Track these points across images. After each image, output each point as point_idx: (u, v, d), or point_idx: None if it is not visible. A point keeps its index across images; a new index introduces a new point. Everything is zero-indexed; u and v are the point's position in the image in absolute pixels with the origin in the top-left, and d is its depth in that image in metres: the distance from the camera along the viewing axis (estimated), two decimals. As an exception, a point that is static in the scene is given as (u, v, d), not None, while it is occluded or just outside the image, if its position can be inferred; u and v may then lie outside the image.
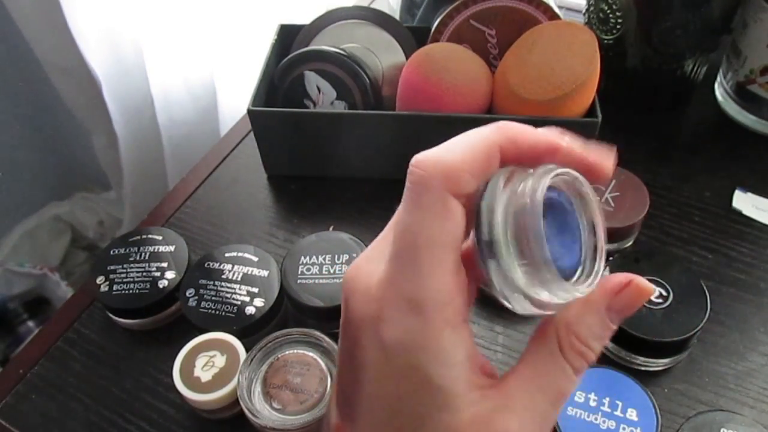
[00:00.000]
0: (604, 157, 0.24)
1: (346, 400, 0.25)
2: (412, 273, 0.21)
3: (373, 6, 0.67)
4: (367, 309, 0.23)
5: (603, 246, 0.23)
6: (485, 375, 0.23)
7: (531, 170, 0.22)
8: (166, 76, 0.84)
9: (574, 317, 0.23)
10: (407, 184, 0.22)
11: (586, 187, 0.23)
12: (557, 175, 0.22)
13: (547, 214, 0.22)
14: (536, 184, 0.21)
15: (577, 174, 0.23)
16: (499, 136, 0.22)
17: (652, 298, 0.45)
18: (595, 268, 0.23)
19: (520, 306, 0.22)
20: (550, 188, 0.22)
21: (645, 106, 0.66)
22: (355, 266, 0.25)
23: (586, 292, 0.22)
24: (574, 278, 0.23)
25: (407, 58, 0.58)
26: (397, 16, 0.69)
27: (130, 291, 0.49)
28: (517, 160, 0.23)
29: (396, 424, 0.22)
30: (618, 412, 0.40)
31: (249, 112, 0.56)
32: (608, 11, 0.60)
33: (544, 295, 0.22)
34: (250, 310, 0.46)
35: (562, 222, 0.23)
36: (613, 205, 0.52)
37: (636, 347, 0.45)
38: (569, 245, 0.23)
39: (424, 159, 0.22)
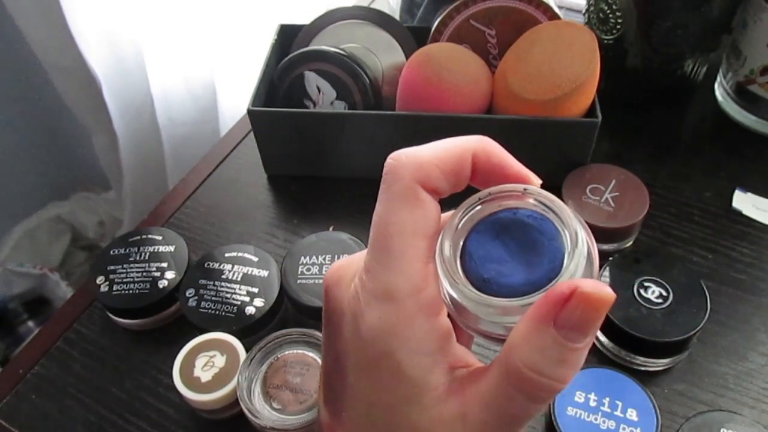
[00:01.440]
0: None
1: (333, 395, 0.25)
2: (385, 260, 0.22)
3: (373, 6, 0.67)
4: (347, 299, 0.23)
5: (573, 252, 0.21)
6: (463, 367, 0.23)
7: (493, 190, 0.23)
8: (166, 76, 0.84)
9: (518, 338, 0.20)
10: (383, 176, 0.23)
11: (553, 206, 0.22)
12: (488, 200, 0.22)
13: (505, 233, 0.22)
14: (465, 207, 0.22)
15: (517, 187, 0.22)
16: (474, 144, 0.23)
17: (652, 298, 0.45)
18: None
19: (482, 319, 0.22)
20: (521, 208, 0.22)
21: (645, 106, 0.66)
22: (340, 261, 0.26)
23: (506, 318, 0.21)
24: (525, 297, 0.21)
25: (407, 58, 0.58)
26: (397, 16, 0.69)
27: (130, 291, 0.49)
28: (485, 175, 0.23)
29: (372, 417, 0.23)
30: (618, 412, 0.40)
31: (249, 112, 0.56)
32: (608, 11, 0.60)
33: (486, 325, 0.22)
34: (250, 310, 0.46)
35: (530, 236, 0.22)
36: (613, 205, 0.52)
37: (636, 347, 0.45)
38: (533, 263, 0.21)
39: (399, 153, 0.23)
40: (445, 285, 0.22)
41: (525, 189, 0.22)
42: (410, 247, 0.22)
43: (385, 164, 0.23)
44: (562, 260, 0.21)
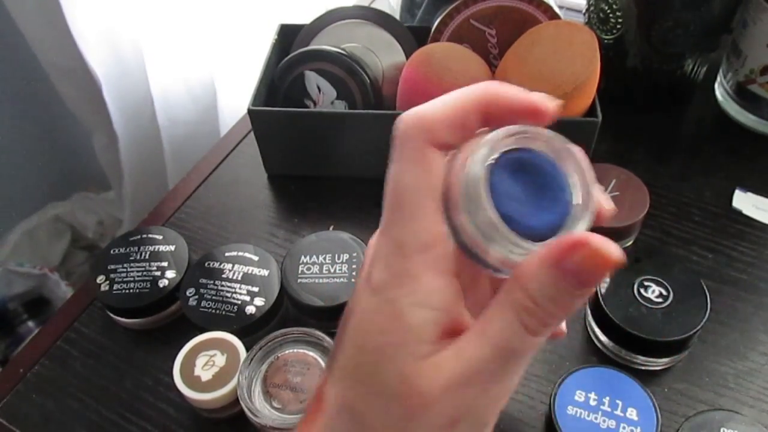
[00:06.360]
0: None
1: (332, 350, 0.25)
2: (398, 218, 0.23)
3: (374, 6, 0.67)
4: (366, 259, 0.25)
5: (583, 205, 0.22)
6: (460, 330, 0.23)
7: (495, 132, 0.23)
8: (166, 76, 0.84)
9: (525, 270, 0.22)
10: (393, 139, 0.24)
11: (558, 143, 0.23)
12: (510, 135, 0.23)
13: (522, 172, 0.23)
14: (480, 149, 0.22)
15: (541, 131, 0.23)
16: (479, 92, 0.23)
17: (653, 297, 0.45)
18: (571, 227, 0.22)
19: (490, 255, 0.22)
20: (523, 148, 0.23)
21: (645, 106, 0.66)
22: None
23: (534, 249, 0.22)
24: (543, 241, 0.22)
25: (407, 58, 0.58)
26: (397, 16, 0.69)
27: (131, 290, 0.49)
28: (499, 119, 0.24)
29: (359, 359, 0.23)
30: (618, 412, 0.41)
31: (249, 111, 0.56)
32: (608, 11, 0.60)
33: (498, 253, 0.22)
34: (250, 309, 0.46)
35: (544, 180, 0.23)
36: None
37: (636, 347, 0.45)
38: (547, 204, 0.23)
39: (406, 115, 0.23)
40: (464, 213, 0.22)
41: (546, 135, 0.23)
42: (420, 207, 0.23)
43: (394, 127, 0.23)
44: (571, 210, 0.22)
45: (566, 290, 0.21)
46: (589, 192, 0.23)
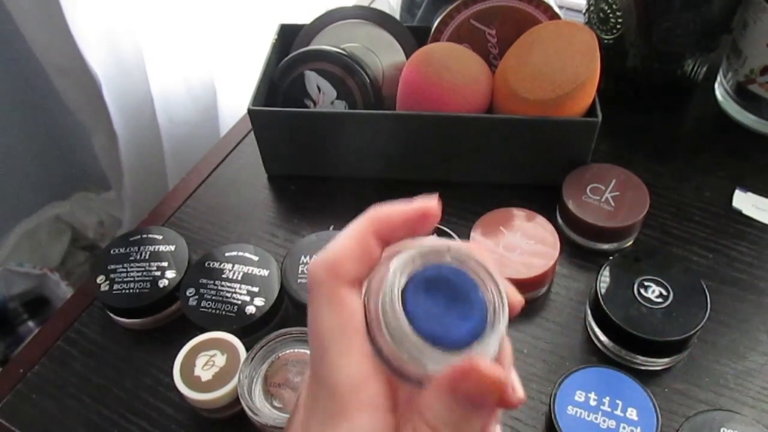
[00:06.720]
0: None
1: None
2: (325, 362, 0.23)
3: (374, 6, 0.67)
4: (299, 403, 0.25)
5: (498, 302, 0.23)
6: None
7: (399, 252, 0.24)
8: (166, 76, 0.85)
9: (425, 397, 0.22)
10: (307, 287, 0.24)
11: (458, 252, 0.24)
12: (415, 256, 0.23)
13: (433, 288, 0.23)
14: (390, 278, 0.23)
15: (440, 245, 0.24)
16: (368, 219, 0.24)
17: (652, 297, 0.45)
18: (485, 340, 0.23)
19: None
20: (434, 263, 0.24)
21: (645, 106, 0.66)
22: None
23: (440, 370, 0.22)
24: (469, 348, 0.23)
25: (407, 58, 0.58)
26: (397, 16, 0.69)
27: (131, 290, 0.49)
28: (396, 236, 0.24)
29: None
30: (618, 412, 0.41)
31: (249, 111, 0.56)
32: (608, 11, 0.60)
33: (434, 372, 0.22)
34: (250, 309, 0.46)
35: (455, 290, 0.23)
36: (613, 204, 0.52)
37: (636, 347, 0.45)
38: (465, 312, 0.23)
39: (313, 260, 0.24)
40: (390, 343, 0.22)
41: (448, 248, 0.24)
42: (344, 347, 0.23)
43: (307, 272, 0.24)
44: (487, 310, 0.23)
45: (462, 414, 0.21)
46: (500, 289, 0.23)
